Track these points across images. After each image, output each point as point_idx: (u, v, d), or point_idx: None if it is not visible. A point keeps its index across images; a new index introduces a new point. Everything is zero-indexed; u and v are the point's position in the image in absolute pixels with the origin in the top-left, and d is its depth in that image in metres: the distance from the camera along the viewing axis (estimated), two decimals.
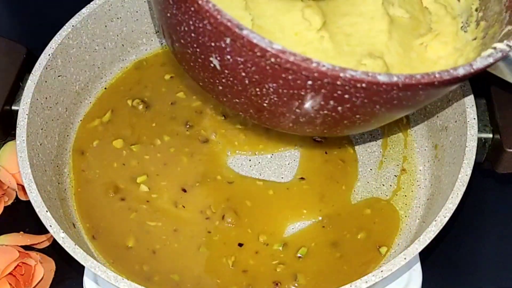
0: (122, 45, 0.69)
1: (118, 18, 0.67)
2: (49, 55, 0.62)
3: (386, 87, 0.43)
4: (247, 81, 0.45)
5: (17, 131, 0.59)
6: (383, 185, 0.63)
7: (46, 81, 0.62)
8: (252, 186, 0.63)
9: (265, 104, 0.46)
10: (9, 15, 0.87)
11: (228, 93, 0.48)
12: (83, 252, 0.53)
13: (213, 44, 0.43)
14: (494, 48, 0.46)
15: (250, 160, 0.65)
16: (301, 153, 0.65)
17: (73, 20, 0.64)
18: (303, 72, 0.42)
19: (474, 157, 0.56)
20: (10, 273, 0.63)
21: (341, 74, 0.41)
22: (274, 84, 0.44)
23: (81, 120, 0.67)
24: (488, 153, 0.61)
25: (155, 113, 0.67)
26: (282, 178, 0.64)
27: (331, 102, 0.45)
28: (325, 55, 0.50)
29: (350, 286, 0.51)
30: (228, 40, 0.42)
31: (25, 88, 0.61)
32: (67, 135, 0.66)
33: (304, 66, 0.41)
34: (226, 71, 0.45)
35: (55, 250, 0.68)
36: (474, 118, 0.58)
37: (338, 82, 0.42)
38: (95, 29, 0.66)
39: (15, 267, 0.63)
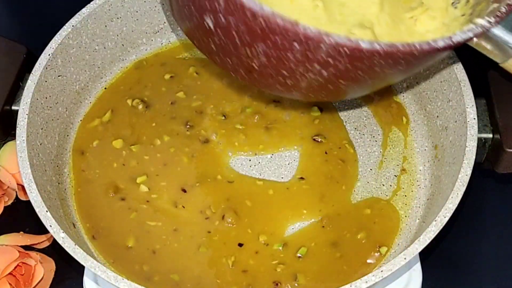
0: (122, 45, 0.69)
1: (118, 18, 0.67)
2: (49, 55, 0.62)
3: (368, 54, 0.45)
4: (238, 42, 0.47)
5: (17, 131, 0.59)
6: (383, 185, 0.63)
7: (46, 81, 0.62)
8: (252, 186, 0.63)
9: (254, 65, 0.49)
10: (9, 15, 0.87)
11: (220, 52, 0.50)
12: (83, 252, 0.53)
13: (207, 4, 0.46)
14: (475, 23, 0.48)
15: (250, 160, 0.65)
16: (301, 153, 0.65)
17: (73, 20, 0.64)
18: (290, 34, 0.44)
19: (474, 157, 0.56)
20: (10, 273, 0.63)
21: (325, 38, 0.44)
22: (263, 45, 0.46)
23: (81, 120, 0.67)
24: (488, 153, 0.61)
25: (155, 113, 0.67)
26: (282, 178, 0.64)
27: (316, 66, 0.47)
28: (317, 22, 0.52)
29: (350, 286, 0.51)
30: (221, 1, 0.44)
31: (25, 88, 0.61)
32: (67, 135, 0.66)
33: (291, 29, 0.43)
34: (219, 31, 0.47)
35: (55, 250, 0.68)
36: (474, 118, 0.58)
37: (322, 46, 0.44)
38: (95, 29, 0.66)
39: (15, 267, 0.63)
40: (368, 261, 0.59)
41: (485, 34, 0.49)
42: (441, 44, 0.46)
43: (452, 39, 0.46)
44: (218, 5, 0.45)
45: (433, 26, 0.54)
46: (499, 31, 0.49)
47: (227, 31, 0.46)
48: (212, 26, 0.47)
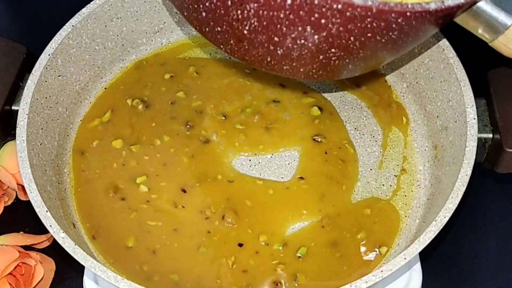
0: (122, 45, 0.69)
1: (118, 18, 0.67)
2: (49, 55, 0.62)
3: (361, 11, 0.45)
4: (229, 3, 0.46)
5: (17, 131, 0.59)
6: (383, 185, 0.63)
7: (46, 81, 0.62)
8: (252, 186, 0.63)
9: (245, 32, 0.48)
10: (9, 15, 0.87)
11: (211, 20, 0.49)
12: (83, 252, 0.53)
13: None
14: None
15: (250, 160, 0.65)
16: (301, 153, 0.65)
17: (73, 20, 0.64)
18: None
19: (474, 157, 0.56)
20: (10, 273, 0.63)
21: None
22: (255, 5, 0.46)
23: (81, 120, 0.67)
24: (488, 153, 0.61)
25: (155, 112, 0.67)
26: (282, 178, 0.64)
27: (308, 29, 0.46)
28: None
29: (350, 286, 0.51)
30: None
31: (25, 88, 0.61)
32: (67, 135, 0.66)
33: None
34: None
35: (55, 250, 0.68)
36: (474, 118, 0.58)
37: (316, 1, 0.44)
38: (95, 29, 0.66)
39: (15, 267, 0.63)
40: (368, 259, 0.59)
41: (473, 10, 0.49)
42: (433, 6, 0.46)
43: (444, 3, 0.46)
44: None
45: None
46: (487, 6, 0.49)
47: None
48: None
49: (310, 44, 0.48)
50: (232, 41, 0.50)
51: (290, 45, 0.48)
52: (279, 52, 0.49)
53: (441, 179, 0.60)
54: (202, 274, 0.59)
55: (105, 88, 0.69)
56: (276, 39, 0.48)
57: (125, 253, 0.60)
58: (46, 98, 0.62)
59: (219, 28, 0.50)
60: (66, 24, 0.64)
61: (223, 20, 0.49)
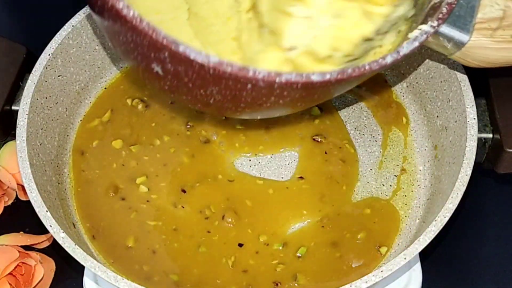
0: None
1: None
2: (49, 55, 0.62)
3: (320, 84, 0.45)
4: (190, 85, 0.47)
5: (17, 131, 0.59)
6: (383, 185, 0.63)
7: (46, 81, 0.62)
8: (252, 185, 0.63)
9: (211, 102, 0.49)
10: (9, 15, 0.87)
11: (174, 92, 0.50)
12: (83, 252, 0.53)
13: (153, 55, 0.45)
14: (420, 29, 0.48)
15: (250, 160, 0.65)
16: (301, 153, 0.65)
17: (73, 20, 0.64)
18: (241, 79, 0.44)
19: (474, 157, 0.56)
20: (10, 273, 0.63)
21: (277, 79, 0.44)
22: (217, 88, 0.46)
23: (81, 120, 0.67)
24: (488, 153, 0.61)
25: (155, 112, 0.67)
26: (282, 178, 0.64)
27: (272, 98, 0.47)
28: (256, 32, 0.52)
29: (350, 286, 0.51)
30: (166, 54, 0.44)
31: (25, 88, 0.61)
32: (67, 135, 0.66)
33: (241, 75, 0.44)
34: (169, 77, 0.47)
35: (55, 250, 0.68)
36: (474, 118, 0.58)
37: (275, 85, 0.45)
38: (95, 29, 0.66)
39: (15, 267, 0.63)
40: (368, 261, 0.59)
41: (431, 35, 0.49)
42: (389, 60, 0.47)
43: (399, 53, 0.47)
44: (163, 56, 0.44)
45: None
46: (444, 28, 0.50)
47: (178, 77, 0.46)
48: (161, 73, 0.46)
49: (276, 105, 0.49)
50: (199, 105, 0.52)
51: (257, 107, 0.49)
52: (247, 111, 0.51)
53: (441, 179, 0.60)
54: (202, 274, 0.59)
55: (105, 88, 0.69)
56: (242, 105, 0.49)
57: (125, 253, 0.60)
58: (46, 98, 0.62)
59: (184, 97, 0.51)
60: (66, 24, 0.64)
61: (188, 94, 0.49)
